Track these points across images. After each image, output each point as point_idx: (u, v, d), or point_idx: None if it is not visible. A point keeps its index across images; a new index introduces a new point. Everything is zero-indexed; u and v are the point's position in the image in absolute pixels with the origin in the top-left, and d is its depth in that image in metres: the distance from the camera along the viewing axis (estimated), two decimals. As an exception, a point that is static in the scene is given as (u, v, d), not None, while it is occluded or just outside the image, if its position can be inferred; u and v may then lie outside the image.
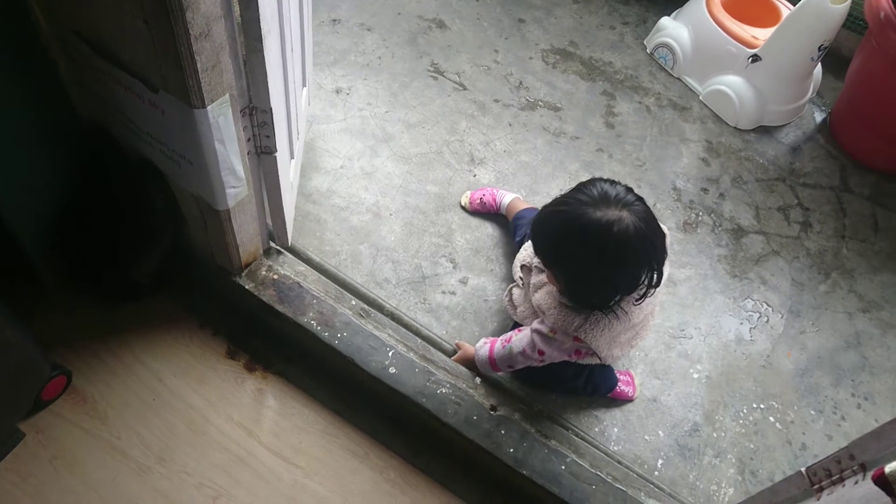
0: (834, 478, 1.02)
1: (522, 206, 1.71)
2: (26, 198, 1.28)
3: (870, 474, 0.92)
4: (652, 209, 1.83)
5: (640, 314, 1.29)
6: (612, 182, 1.20)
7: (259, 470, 1.40)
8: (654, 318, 1.42)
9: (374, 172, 1.83)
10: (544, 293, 1.34)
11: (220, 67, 1.02)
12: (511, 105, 2.09)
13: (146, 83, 1.06)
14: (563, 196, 1.22)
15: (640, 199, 1.19)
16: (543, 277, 1.35)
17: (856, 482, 0.97)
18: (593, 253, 1.16)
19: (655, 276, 1.20)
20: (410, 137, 1.93)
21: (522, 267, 1.51)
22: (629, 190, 1.19)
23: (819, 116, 2.32)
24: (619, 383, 1.53)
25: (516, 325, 1.51)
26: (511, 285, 1.57)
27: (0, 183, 1.20)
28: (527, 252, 1.49)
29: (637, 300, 1.25)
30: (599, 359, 1.34)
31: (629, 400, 1.56)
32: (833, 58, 2.35)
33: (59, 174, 1.33)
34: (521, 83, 2.16)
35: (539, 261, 1.33)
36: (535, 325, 1.35)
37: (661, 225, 1.34)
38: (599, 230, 1.13)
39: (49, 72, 1.19)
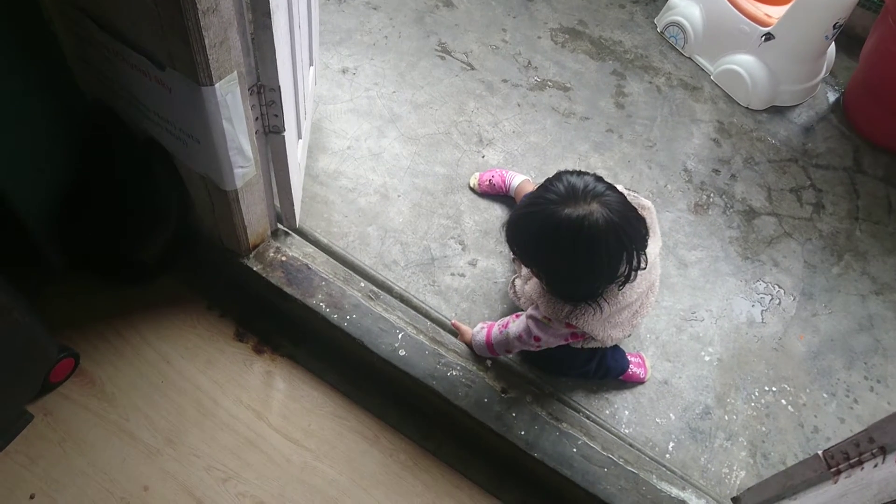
0: (852, 461, 1.01)
1: (531, 188, 1.69)
2: (31, 179, 1.26)
3: (891, 457, 0.91)
4: (662, 190, 1.82)
5: (632, 294, 1.29)
6: (580, 173, 1.19)
7: (268, 452, 1.40)
8: (653, 294, 1.40)
9: (381, 153, 1.81)
10: (534, 283, 1.35)
11: (227, 44, 1.00)
12: (520, 85, 2.06)
13: (153, 60, 1.04)
14: (531, 195, 1.22)
15: (610, 187, 1.18)
16: None
17: (875, 465, 0.96)
18: (567, 251, 1.16)
19: (636, 260, 1.19)
20: (418, 118, 1.91)
21: (514, 259, 1.50)
22: (598, 179, 1.18)
23: (832, 96, 2.29)
24: (631, 365, 1.52)
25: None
26: (514, 276, 1.57)
27: (5, 165, 1.18)
28: None
29: (620, 286, 1.24)
30: (598, 341, 1.33)
31: (641, 382, 1.55)
32: (847, 36, 2.31)
33: (64, 155, 1.31)
34: (529, 63, 2.13)
35: None
36: (531, 311, 1.35)
37: (643, 202, 1.34)
38: (570, 228, 1.12)
39: (53, 50, 1.17)
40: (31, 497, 1.29)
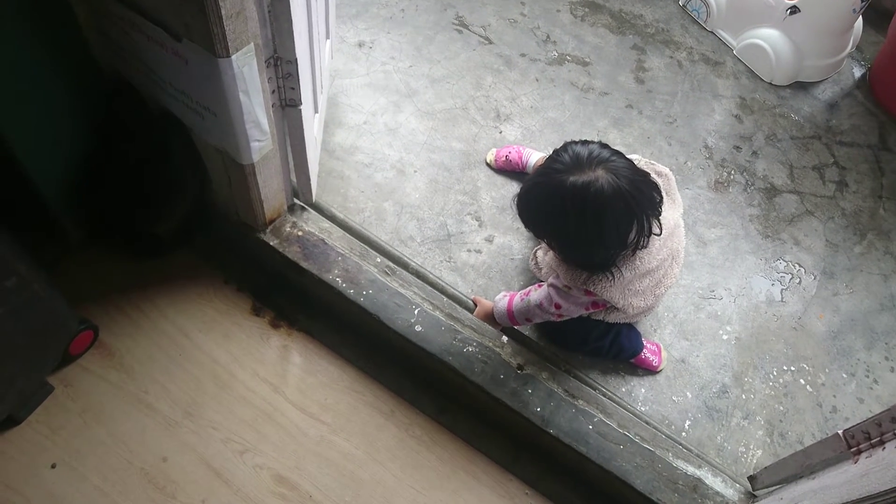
0: (874, 441, 1.00)
1: (548, 164, 1.67)
2: (49, 151, 1.27)
3: (914, 438, 0.89)
4: (682, 167, 1.79)
5: (651, 260, 1.28)
6: (585, 142, 1.19)
7: (285, 425, 1.40)
8: (678, 264, 1.39)
9: (397, 128, 1.80)
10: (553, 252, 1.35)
11: (244, 15, 0.99)
12: (538, 59, 2.03)
13: (169, 31, 1.03)
14: (539, 168, 1.22)
15: (616, 153, 1.17)
16: None
17: (897, 445, 0.94)
18: (575, 218, 1.15)
19: (647, 226, 1.18)
20: (435, 93, 1.89)
21: None
22: (604, 146, 1.18)
23: (858, 72, 2.23)
24: (646, 350, 1.51)
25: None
26: (536, 247, 1.56)
27: (23, 137, 1.18)
28: None
29: (633, 252, 1.23)
30: (619, 309, 1.33)
31: (653, 370, 1.53)
32: (875, 10, 2.26)
33: (81, 127, 1.31)
34: (548, 37, 2.09)
35: None
36: (552, 279, 1.36)
37: (660, 168, 1.34)
38: (576, 195, 1.12)
39: (68, 20, 1.16)
40: (53, 466, 1.31)
